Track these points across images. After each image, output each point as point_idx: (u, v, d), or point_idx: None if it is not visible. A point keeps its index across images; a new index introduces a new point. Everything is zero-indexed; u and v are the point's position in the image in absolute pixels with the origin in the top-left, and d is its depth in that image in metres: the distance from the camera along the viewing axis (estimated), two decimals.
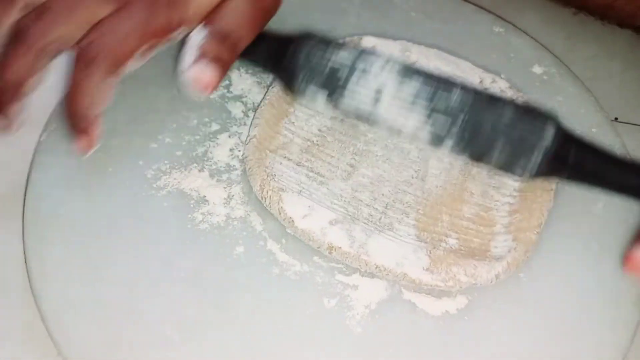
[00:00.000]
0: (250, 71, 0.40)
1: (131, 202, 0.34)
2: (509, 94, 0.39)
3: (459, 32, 0.43)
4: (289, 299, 0.32)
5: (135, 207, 0.34)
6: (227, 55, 0.33)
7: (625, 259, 0.30)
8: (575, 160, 0.31)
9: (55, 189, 0.34)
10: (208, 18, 0.32)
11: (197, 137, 0.37)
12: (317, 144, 0.37)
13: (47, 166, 0.35)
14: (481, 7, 0.45)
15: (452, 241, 0.34)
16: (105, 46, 0.31)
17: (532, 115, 0.32)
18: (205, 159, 0.36)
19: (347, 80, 0.32)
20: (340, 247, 0.32)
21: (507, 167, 0.32)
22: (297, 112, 0.38)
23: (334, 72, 0.32)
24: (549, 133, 0.31)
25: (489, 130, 0.31)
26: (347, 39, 0.40)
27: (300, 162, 0.36)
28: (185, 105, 0.38)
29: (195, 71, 0.31)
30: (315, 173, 0.35)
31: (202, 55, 0.31)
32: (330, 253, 0.33)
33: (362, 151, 0.37)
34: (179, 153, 0.36)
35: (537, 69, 0.42)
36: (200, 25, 0.32)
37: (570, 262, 0.35)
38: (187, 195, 0.35)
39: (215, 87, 0.32)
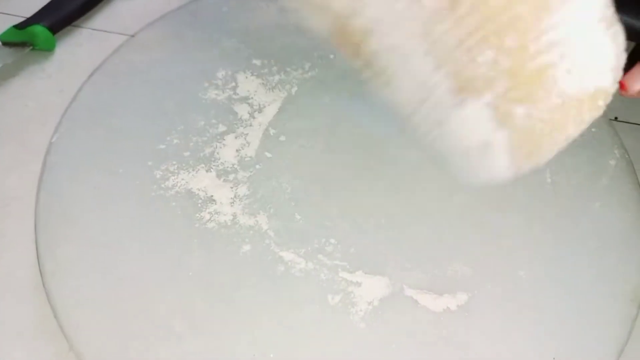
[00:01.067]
0: (256, 73, 0.41)
1: (140, 202, 0.35)
2: None
3: None
4: (294, 295, 0.33)
5: (144, 207, 0.35)
6: None
7: (619, 85, 0.27)
8: None
9: (67, 189, 0.35)
10: None
11: (204, 138, 0.38)
12: None
13: (59, 167, 0.36)
14: None
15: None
16: None
17: None
18: (212, 159, 0.37)
19: None
20: None
21: None
22: None
23: None
24: None
25: None
26: None
27: None
28: (192, 107, 0.39)
29: None
30: None
31: None
32: None
33: None
34: (186, 154, 0.37)
35: None
36: None
37: (568, 260, 0.35)
38: (195, 195, 0.36)
39: None
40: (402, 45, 0.27)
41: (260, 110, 0.40)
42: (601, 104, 0.27)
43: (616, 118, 0.44)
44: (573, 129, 0.26)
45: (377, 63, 0.28)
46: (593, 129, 0.40)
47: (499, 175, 0.27)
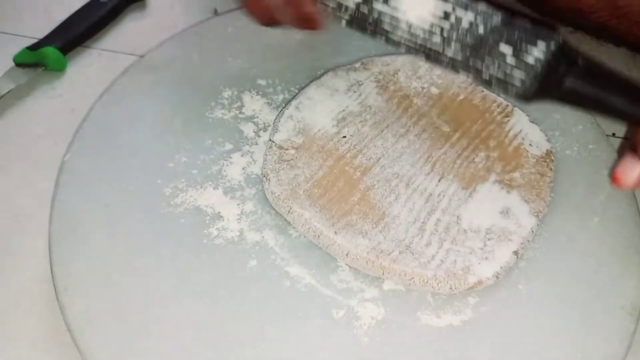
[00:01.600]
0: (260, 93, 0.43)
1: (150, 219, 0.36)
2: None
3: None
4: (299, 310, 0.34)
5: (154, 223, 0.36)
6: None
7: (612, 177, 0.32)
8: (571, 83, 0.30)
9: (79, 206, 0.36)
10: None
11: (212, 156, 0.39)
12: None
13: (71, 185, 0.37)
14: None
15: None
16: None
17: (535, 29, 0.30)
18: (220, 177, 0.38)
19: None
20: None
21: (503, 81, 0.30)
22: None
23: None
24: (546, 46, 0.29)
25: (490, 37, 0.30)
26: None
27: None
28: (199, 126, 0.40)
29: None
30: None
31: None
32: None
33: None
34: (194, 172, 0.38)
35: None
36: None
37: (567, 275, 0.36)
38: (203, 211, 0.37)
39: None
40: (406, 172, 0.38)
41: (265, 129, 0.41)
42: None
43: (614, 134, 0.45)
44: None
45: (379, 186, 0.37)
46: (591, 146, 0.41)
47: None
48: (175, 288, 0.34)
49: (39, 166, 0.41)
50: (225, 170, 0.39)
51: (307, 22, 0.34)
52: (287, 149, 0.38)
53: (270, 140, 0.38)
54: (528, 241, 0.36)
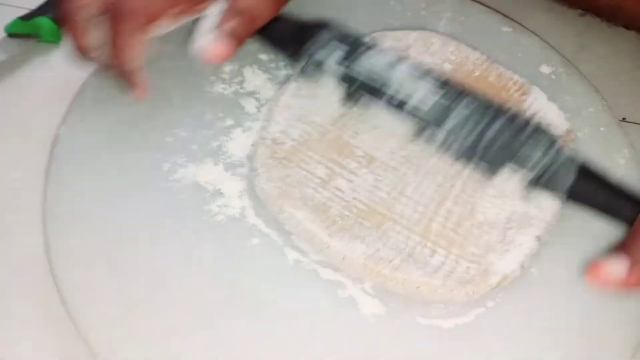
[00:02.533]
0: (262, 68, 0.41)
1: (149, 194, 0.35)
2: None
3: (468, 31, 0.43)
4: (303, 288, 0.33)
5: (152, 199, 0.35)
6: (243, 30, 0.34)
7: (590, 266, 0.32)
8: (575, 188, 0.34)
9: (74, 180, 0.35)
10: None
11: (212, 131, 0.38)
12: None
13: (66, 158, 0.36)
14: (490, 7, 0.46)
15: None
16: (136, 3, 0.32)
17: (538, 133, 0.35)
18: (220, 152, 0.37)
19: (364, 52, 0.36)
20: None
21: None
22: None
23: (352, 51, 0.36)
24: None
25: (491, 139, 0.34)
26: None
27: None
28: (199, 100, 0.39)
29: (206, 41, 0.33)
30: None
31: (217, 26, 0.33)
32: None
33: None
34: (194, 147, 0.37)
35: (545, 69, 0.43)
36: None
37: (572, 283, 0.35)
38: (203, 188, 0.36)
39: (225, 59, 0.34)
40: (418, 153, 0.36)
41: (266, 105, 0.40)
42: None
43: (624, 119, 0.44)
44: None
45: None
46: (601, 129, 0.41)
47: None
48: (175, 265, 0.33)
49: (33, 139, 0.40)
50: (225, 146, 0.37)
51: (126, 77, 0.34)
52: (281, 144, 0.36)
53: (264, 130, 0.37)
54: (551, 225, 0.35)
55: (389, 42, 0.41)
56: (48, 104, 0.42)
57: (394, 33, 0.42)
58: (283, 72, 0.41)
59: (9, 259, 0.36)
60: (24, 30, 0.45)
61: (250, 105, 0.40)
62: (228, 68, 0.41)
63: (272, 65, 0.42)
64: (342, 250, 0.33)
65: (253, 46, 0.42)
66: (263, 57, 0.42)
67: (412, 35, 0.42)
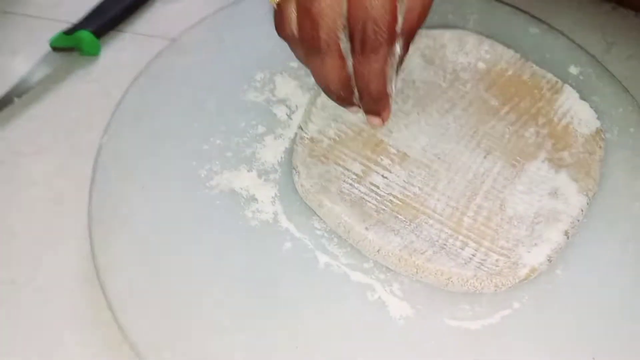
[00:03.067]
0: (293, 75, 0.42)
1: (187, 201, 0.37)
2: None
3: (495, 33, 0.43)
4: (334, 291, 0.34)
5: (190, 205, 0.36)
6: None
7: None
8: None
9: (117, 188, 0.37)
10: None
11: (245, 139, 0.39)
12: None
13: (109, 167, 0.38)
14: (517, 8, 0.46)
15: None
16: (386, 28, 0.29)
17: None
18: (254, 159, 0.38)
19: None
20: None
21: None
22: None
23: None
24: None
25: None
26: None
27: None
28: (233, 109, 0.41)
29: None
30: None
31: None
32: None
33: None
34: (229, 154, 0.38)
35: (574, 70, 0.43)
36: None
37: (598, 285, 0.35)
38: (238, 194, 0.37)
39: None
40: (449, 150, 0.37)
41: (297, 112, 0.41)
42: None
43: None
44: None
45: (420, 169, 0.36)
46: (631, 129, 0.40)
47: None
48: (212, 268, 0.34)
49: (77, 149, 0.42)
50: (259, 153, 0.39)
51: (375, 103, 0.32)
52: (319, 142, 0.37)
53: (302, 130, 0.38)
54: (578, 221, 0.35)
55: (424, 41, 0.42)
56: (90, 115, 0.44)
57: (429, 32, 0.42)
58: (312, 79, 0.42)
59: (55, 265, 0.38)
60: (67, 43, 0.47)
61: (281, 112, 0.41)
62: (259, 76, 0.42)
63: (302, 72, 0.43)
64: (378, 242, 0.34)
65: (283, 54, 0.43)
66: (293, 64, 0.43)
67: (447, 35, 0.42)
